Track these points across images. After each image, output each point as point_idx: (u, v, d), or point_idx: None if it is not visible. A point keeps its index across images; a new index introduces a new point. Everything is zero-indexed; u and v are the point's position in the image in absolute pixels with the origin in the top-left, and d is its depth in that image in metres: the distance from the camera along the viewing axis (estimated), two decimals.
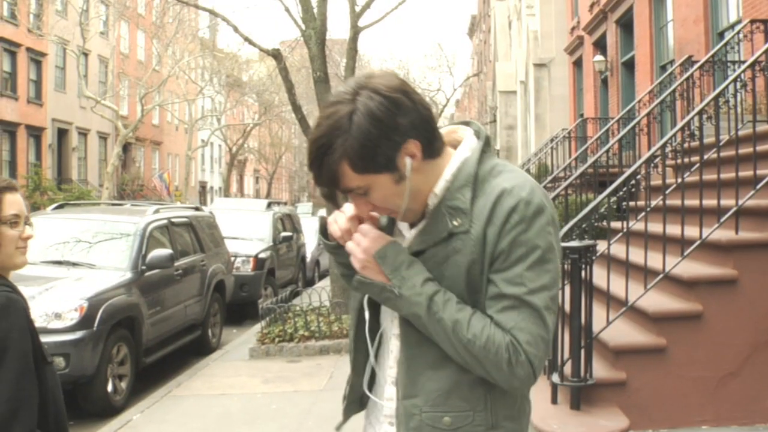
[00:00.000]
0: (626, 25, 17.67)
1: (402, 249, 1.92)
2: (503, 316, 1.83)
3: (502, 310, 1.83)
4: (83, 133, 41.68)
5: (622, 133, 8.37)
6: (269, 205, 17.44)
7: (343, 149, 1.78)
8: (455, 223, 1.88)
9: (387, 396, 2.07)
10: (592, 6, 20.07)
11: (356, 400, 2.21)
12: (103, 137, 43.67)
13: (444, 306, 1.85)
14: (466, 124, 2.08)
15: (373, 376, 2.15)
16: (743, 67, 6.63)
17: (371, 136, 1.78)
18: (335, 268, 2.22)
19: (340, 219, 2.00)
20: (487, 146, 1.97)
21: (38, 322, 7.14)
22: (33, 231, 2.72)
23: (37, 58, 36.88)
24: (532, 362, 1.82)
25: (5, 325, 2.41)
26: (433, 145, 1.89)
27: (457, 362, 1.89)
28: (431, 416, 1.93)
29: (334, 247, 2.07)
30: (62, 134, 39.57)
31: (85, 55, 37.11)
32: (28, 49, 35.74)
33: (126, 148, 40.94)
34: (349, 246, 1.95)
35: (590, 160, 8.17)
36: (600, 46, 20.10)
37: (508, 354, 1.80)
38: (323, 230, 2.12)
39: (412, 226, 2.02)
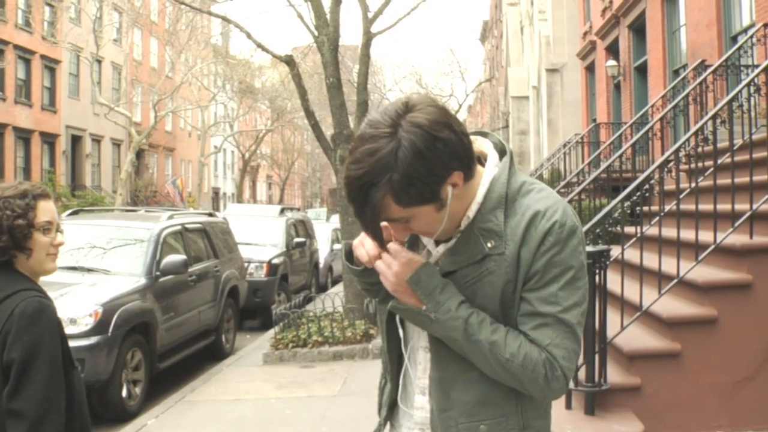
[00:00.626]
0: (639, 29, 17.63)
1: (434, 271, 1.93)
2: (539, 334, 1.89)
3: (537, 327, 1.89)
4: (97, 140, 41.88)
5: (635, 137, 8.35)
6: (282, 211, 17.48)
7: (390, 186, 1.75)
8: (489, 245, 1.90)
9: (417, 405, 2.10)
10: (604, 11, 20.04)
11: (392, 407, 2.23)
12: (116, 144, 43.87)
13: (479, 327, 1.89)
14: (483, 135, 2.08)
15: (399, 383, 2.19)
16: (757, 71, 6.61)
17: (418, 174, 1.75)
18: (359, 285, 2.19)
19: (367, 244, 1.99)
20: (512, 162, 1.98)
21: None
22: (64, 238, 2.80)
23: (51, 66, 37.12)
24: (566, 376, 1.90)
25: (38, 330, 2.51)
26: (471, 171, 1.89)
27: (489, 377, 1.95)
28: (468, 426, 1.99)
29: (360, 271, 2.08)
30: (76, 141, 39.77)
31: (99, 62, 37.29)
32: (42, 57, 35.97)
33: (139, 154, 41.10)
34: (380, 267, 1.95)
35: (603, 165, 8.16)
36: (612, 50, 20.06)
37: (545, 370, 1.87)
38: (348, 255, 2.12)
39: (437, 242, 2.03)
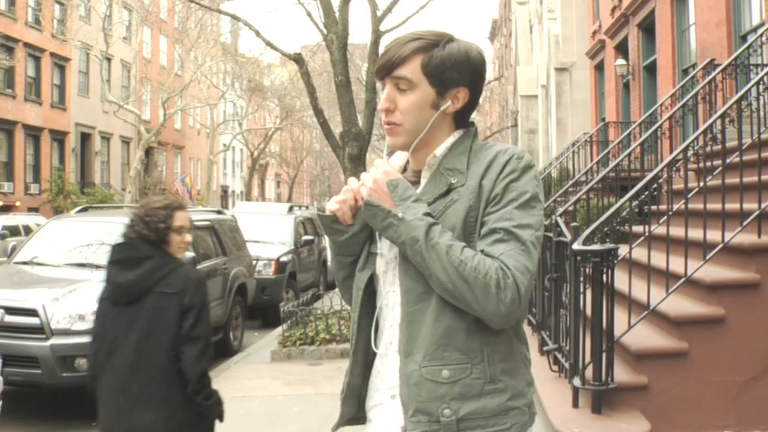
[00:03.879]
0: (648, 28, 17.59)
1: (411, 186, 2.13)
2: (493, 247, 2.01)
3: (492, 243, 2.01)
4: (106, 138, 42.01)
5: (644, 136, 8.35)
6: (291, 209, 17.49)
7: (430, 51, 2.11)
8: (453, 180, 2.12)
9: (391, 367, 2.17)
10: (613, 10, 20.00)
11: (355, 395, 2.31)
12: (125, 141, 44.00)
13: (440, 234, 2.01)
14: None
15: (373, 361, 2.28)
16: (766, 69, 6.60)
17: (455, 59, 2.12)
18: (335, 260, 2.40)
19: (351, 182, 2.21)
20: (476, 133, 2.26)
21: (62, 324, 7.26)
22: (191, 237, 4.11)
23: (60, 63, 37.25)
24: (519, 287, 1.97)
25: (204, 290, 3.94)
26: (467, 114, 2.22)
27: (452, 306, 2.02)
28: (430, 370, 2.04)
29: (331, 219, 2.23)
30: (85, 138, 39.89)
31: (108, 60, 37.40)
32: (52, 54, 36.11)
33: (148, 152, 41.17)
34: (363, 175, 2.16)
35: (612, 164, 8.15)
36: (622, 49, 20.02)
37: (497, 276, 1.96)
38: (328, 224, 2.26)
39: None
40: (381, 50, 10.00)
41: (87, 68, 39.44)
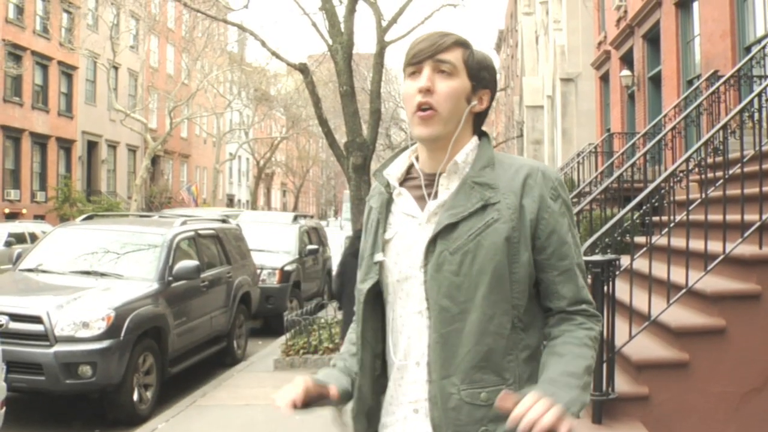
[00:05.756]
0: (653, 40, 17.60)
1: (565, 393, 2.05)
2: (566, 287, 2.13)
3: (567, 282, 2.14)
4: (113, 146, 42.10)
5: (646, 147, 8.36)
6: (295, 218, 17.51)
7: (468, 47, 2.19)
8: (488, 194, 2.10)
9: (410, 380, 2.14)
10: (618, 21, 20.02)
11: (364, 412, 2.27)
12: (132, 150, 44.08)
13: (577, 375, 2.10)
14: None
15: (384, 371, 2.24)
16: None
17: (488, 62, 2.23)
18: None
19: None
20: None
21: (66, 331, 7.30)
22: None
23: (68, 72, 37.35)
24: (597, 313, 2.20)
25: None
26: (483, 120, 2.27)
27: (494, 327, 2.04)
28: (470, 393, 2.03)
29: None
30: (92, 146, 39.99)
31: (115, 68, 37.51)
32: (60, 63, 36.21)
33: (155, 160, 41.30)
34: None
35: (614, 175, 8.17)
36: (627, 60, 20.02)
37: (594, 339, 2.13)
38: None
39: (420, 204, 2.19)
40: (385, 61, 10.00)
41: (94, 77, 39.56)
